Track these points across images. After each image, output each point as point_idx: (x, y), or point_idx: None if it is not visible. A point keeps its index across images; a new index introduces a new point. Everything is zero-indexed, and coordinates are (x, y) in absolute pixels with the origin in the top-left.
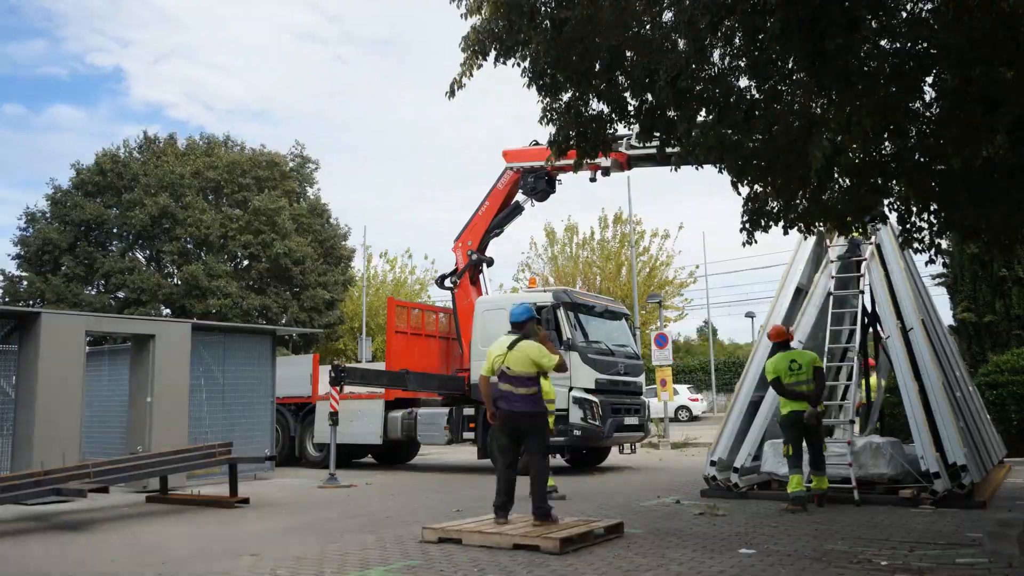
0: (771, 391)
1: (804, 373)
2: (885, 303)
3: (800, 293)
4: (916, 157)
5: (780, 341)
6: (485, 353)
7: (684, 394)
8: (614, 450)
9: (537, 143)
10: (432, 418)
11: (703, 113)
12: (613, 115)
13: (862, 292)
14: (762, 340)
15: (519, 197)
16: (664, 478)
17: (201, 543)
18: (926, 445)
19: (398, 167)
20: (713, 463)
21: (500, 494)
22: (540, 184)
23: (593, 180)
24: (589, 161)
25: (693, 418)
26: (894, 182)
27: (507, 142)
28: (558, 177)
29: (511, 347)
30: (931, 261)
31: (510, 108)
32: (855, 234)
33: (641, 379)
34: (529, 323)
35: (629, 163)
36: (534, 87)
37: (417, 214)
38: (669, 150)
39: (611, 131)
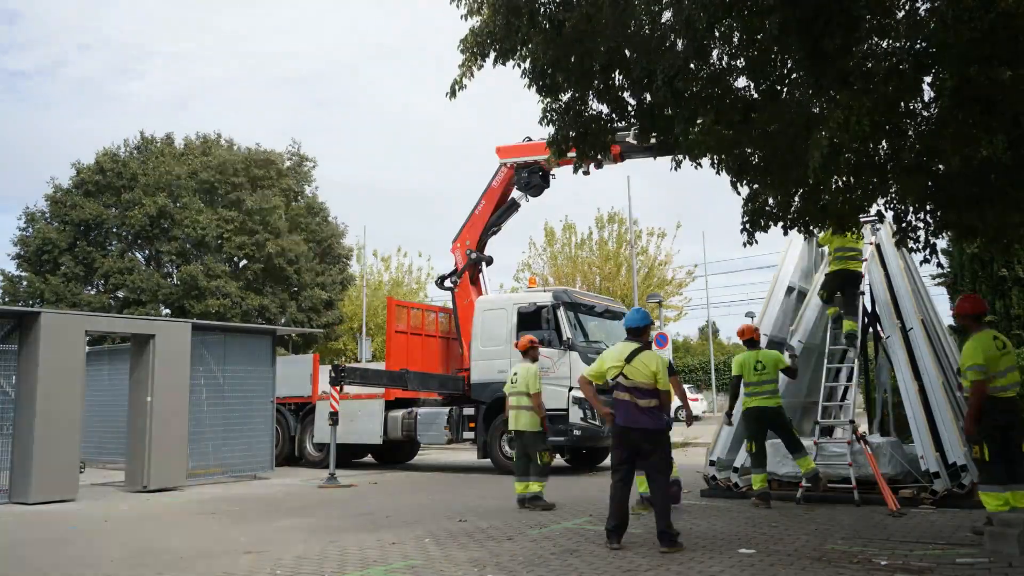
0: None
1: (768, 373)
2: (885, 303)
3: (792, 291)
4: (914, 157)
5: (748, 339)
6: (486, 352)
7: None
8: None
9: (530, 139)
10: (432, 418)
11: (702, 113)
12: (612, 115)
13: (862, 292)
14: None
15: (515, 193)
16: None
17: (201, 543)
18: (926, 445)
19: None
20: (712, 463)
21: (613, 516)
22: (534, 179)
23: (587, 173)
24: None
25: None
26: (891, 182)
27: (504, 136)
28: (552, 172)
29: (629, 359)
30: (926, 260)
31: (511, 105)
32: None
33: None
34: (648, 330)
35: (622, 155)
36: (534, 88)
37: (414, 211)
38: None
39: (611, 131)
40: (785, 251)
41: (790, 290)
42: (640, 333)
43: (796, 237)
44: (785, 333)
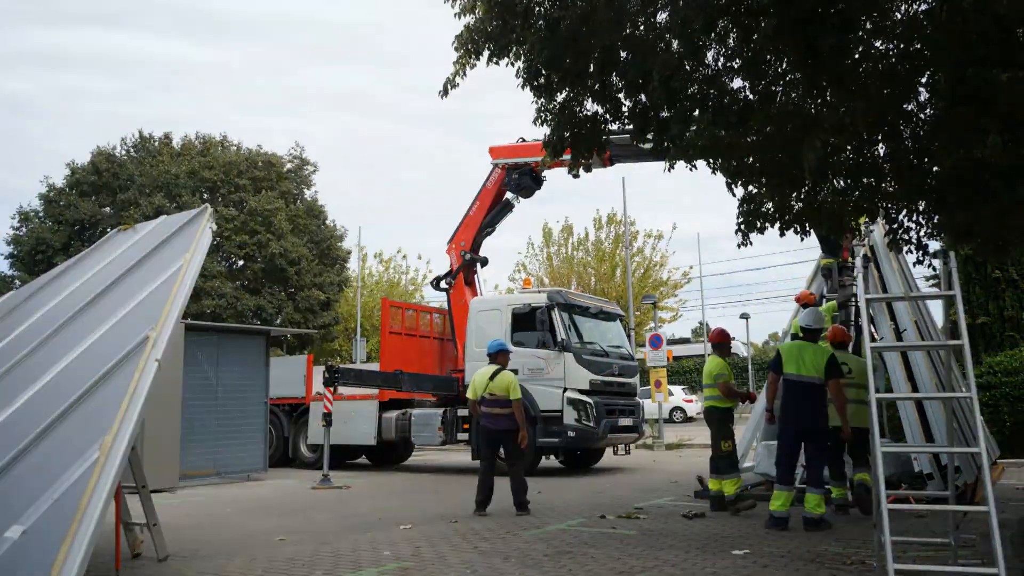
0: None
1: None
2: (879, 305)
3: (822, 300)
4: (909, 158)
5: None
6: (480, 354)
7: (679, 395)
8: (608, 451)
9: (523, 139)
10: (426, 419)
11: (697, 114)
12: (607, 116)
13: (855, 295)
14: None
15: (508, 194)
16: (658, 479)
17: (192, 544)
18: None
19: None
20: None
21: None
22: (525, 181)
23: (576, 176)
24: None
25: (688, 419)
26: (887, 183)
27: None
28: (543, 174)
29: (492, 377)
30: (919, 262)
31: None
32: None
33: (635, 380)
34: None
35: (612, 159)
36: (528, 88)
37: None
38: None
39: (605, 132)
40: (819, 259)
41: (820, 298)
42: (499, 357)
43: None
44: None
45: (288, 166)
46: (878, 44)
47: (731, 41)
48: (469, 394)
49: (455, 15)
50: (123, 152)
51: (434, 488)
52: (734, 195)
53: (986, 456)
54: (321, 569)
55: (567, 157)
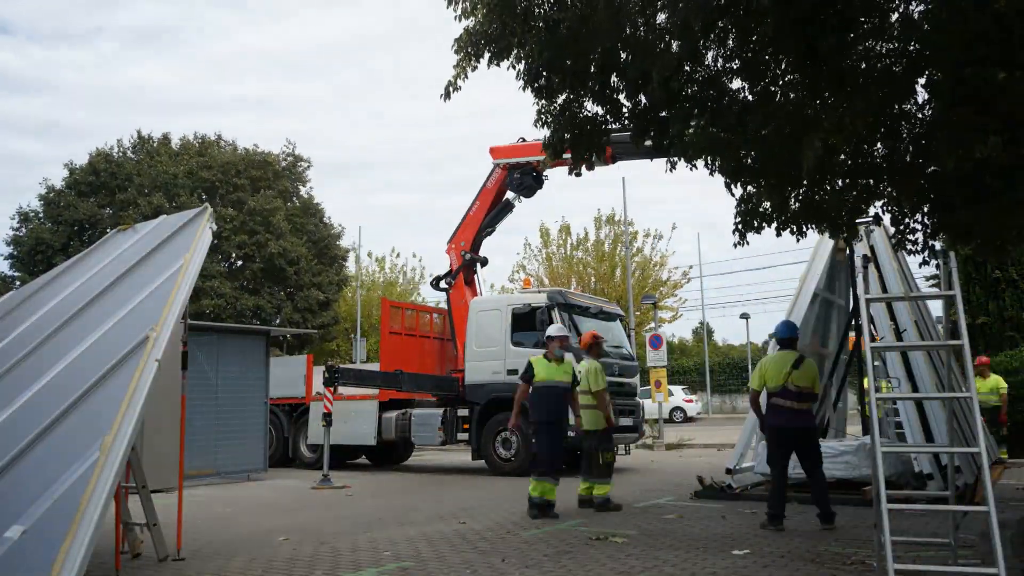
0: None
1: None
2: (879, 305)
3: (816, 299)
4: (908, 158)
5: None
6: (480, 354)
7: (679, 395)
8: None
9: (524, 139)
10: (426, 419)
11: (696, 114)
12: (607, 117)
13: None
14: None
15: (509, 194)
16: (657, 480)
17: (193, 544)
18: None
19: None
20: (729, 471)
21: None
22: (527, 180)
23: (578, 175)
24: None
25: (688, 419)
26: (885, 184)
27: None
28: (544, 173)
29: (796, 366)
30: (925, 263)
31: (503, 102)
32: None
33: (636, 380)
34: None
35: (614, 157)
36: (529, 89)
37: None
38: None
39: (605, 133)
40: (812, 258)
41: (814, 298)
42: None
43: (824, 242)
44: (807, 341)
45: (283, 164)
46: (877, 45)
47: (731, 42)
48: (754, 383)
49: (456, 18)
50: (121, 153)
51: (434, 488)
52: (733, 195)
53: (986, 456)
54: (321, 569)
55: (568, 156)
